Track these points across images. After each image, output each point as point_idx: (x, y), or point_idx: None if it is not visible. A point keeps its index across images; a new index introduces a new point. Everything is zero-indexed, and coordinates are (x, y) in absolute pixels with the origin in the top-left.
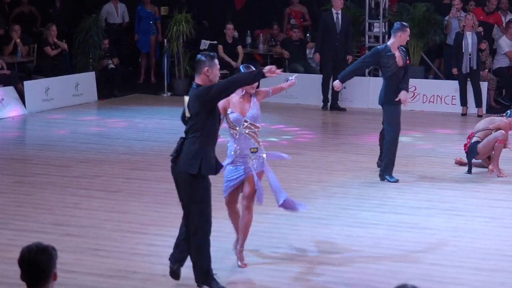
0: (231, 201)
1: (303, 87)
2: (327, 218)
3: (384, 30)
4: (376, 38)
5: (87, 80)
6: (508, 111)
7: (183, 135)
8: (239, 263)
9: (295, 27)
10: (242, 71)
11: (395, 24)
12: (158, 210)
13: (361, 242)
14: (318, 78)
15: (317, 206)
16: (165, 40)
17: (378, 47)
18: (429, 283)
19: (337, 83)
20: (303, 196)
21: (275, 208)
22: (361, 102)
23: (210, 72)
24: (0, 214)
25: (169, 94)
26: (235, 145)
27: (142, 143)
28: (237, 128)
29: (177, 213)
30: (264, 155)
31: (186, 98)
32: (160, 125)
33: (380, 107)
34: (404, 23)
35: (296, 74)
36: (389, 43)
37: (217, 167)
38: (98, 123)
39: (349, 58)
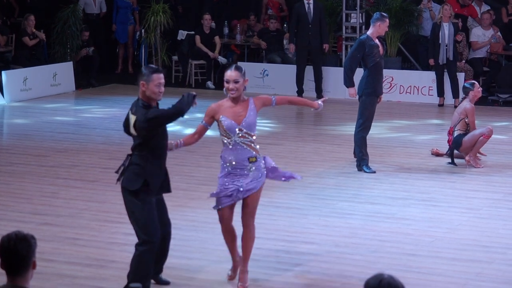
0: (225, 217)
1: (280, 77)
2: (304, 208)
3: (361, 21)
4: (353, 29)
5: (65, 70)
6: (464, 85)
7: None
8: (239, 284)
9: (272, 17)
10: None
11: (374, 14)
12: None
13: (337, 232)
14: (294, 68)
15: (294, 196)
16: (143, 30)
17: (361, 37)
18: (406, 273)
19: (351, 90)
20: (280, 186)
21: None
22: (338, 93)
23: (146, 87)
24: None
25: None
26: (230, 156)
27: (120, 133)
28: (231, 137)
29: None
30: (262, 164)
31: (132, 118)
32: None
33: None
34: (383, 13)
35: (324, 98)
36: (368, 33)
37: (163, 187)
38: (75, 113)
39: (326, 46)
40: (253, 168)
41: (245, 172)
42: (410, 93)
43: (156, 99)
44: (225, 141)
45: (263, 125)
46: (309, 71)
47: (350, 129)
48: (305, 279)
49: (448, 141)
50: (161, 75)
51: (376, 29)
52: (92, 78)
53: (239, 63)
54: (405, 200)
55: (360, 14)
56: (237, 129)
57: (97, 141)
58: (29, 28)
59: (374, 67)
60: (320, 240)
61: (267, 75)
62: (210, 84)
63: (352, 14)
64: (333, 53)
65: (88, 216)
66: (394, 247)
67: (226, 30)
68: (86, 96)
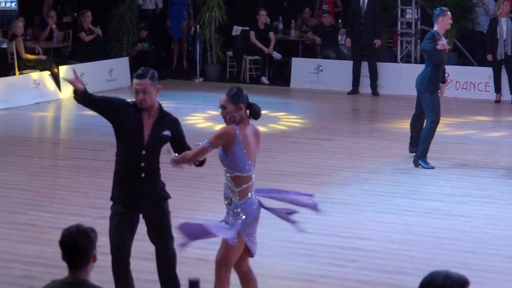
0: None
1: (335, 73)
2: (360, 204)
3: (416, 17)
4: (409, 25)
5: (120, 66)
6: None
7: (216, 120)
8: None
9: (326, 12)
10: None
11: (434, 10)
12: (191, 195)
13: (393, 228)
14: (349, 64)
15: (349, 192)
16: (198, 26)
17: (432, 31)
18: (463, 270)
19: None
20: (336, 182)
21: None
22: (393, 88)
23: None
24: (37, 197)
25: (201, 79)
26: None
27: None
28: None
29: (209, 197)
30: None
31: None
32: (192, 110)
33: (414, 93)
34: (443, 7)
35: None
36: (435, 29)
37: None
38: None
39: (377, 42)
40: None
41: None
42: (466, 89)
43: (139, 106)
44: None
45: (318, 121)
46: (365, 66)
47: (405, 125)
48: (360, 275)
49: None
50: (140, 81)
51: (440, 25)
52: None
53: (294, 59)
54: (462, 197)
55: (416, 10)
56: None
57: None
58: (86, 24)
59: (439, 65)
60: (376, 236)
61: (321, 70)
62: (264, 79)
63: (407, 10)
64: (388, 49)
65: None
66: (451, 244)
67: (280, 26)
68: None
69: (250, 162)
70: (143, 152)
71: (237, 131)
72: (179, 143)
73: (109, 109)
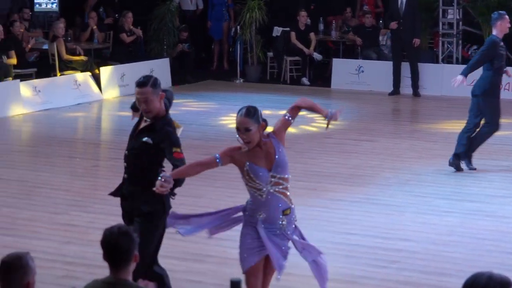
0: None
1: (376, 74)
2: (401, 205)
3: (458, 17)
4: (450, 25)
5: (161, 67)
6: None
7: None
8: None
9: (367, 13)
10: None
11: (492, 15)
12: (231, 195)
13: (435, 229)
14: (390, 64)
15: (391, 194)
16: (238, 27)
17: (493, 37)
18: (506, 272)
19: (459, 77)
20: (377, 183)
21: (349, 194)
22: (434, 89)
23: None
24: (79, 197)
25: (241, 80)
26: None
27: (215, 129)
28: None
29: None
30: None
31: None
32: (233, 111)
33: (455, 94)
34: (500, 11)
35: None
36: (494, 34)
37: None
38: (171, 108)
39: (416, 41)
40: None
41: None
42: (508, 90)
43: (145, 116)
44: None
45: (359, 122)
46: (406, 67)
47: (446, 126)
48: (401, 276)
49: None
50: (141, 89)
51: (499, 29)
52: (188, 74)
53: (334, 60)
54: (504, 198)
55: (458, 10)
56: (269, 177)
57: (193, 136)
58: (127, 25)
59: (500, 69)
60: (417, 238)
61: (362, 71)
62: (305, 80)
63: (449, 10)
64: (430, 50)
65: (185, 211)
66: (494, 245)
67: (321, 27)
68: (182, 92)
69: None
70: (126, 152)
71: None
72: (157, 154)
73: None
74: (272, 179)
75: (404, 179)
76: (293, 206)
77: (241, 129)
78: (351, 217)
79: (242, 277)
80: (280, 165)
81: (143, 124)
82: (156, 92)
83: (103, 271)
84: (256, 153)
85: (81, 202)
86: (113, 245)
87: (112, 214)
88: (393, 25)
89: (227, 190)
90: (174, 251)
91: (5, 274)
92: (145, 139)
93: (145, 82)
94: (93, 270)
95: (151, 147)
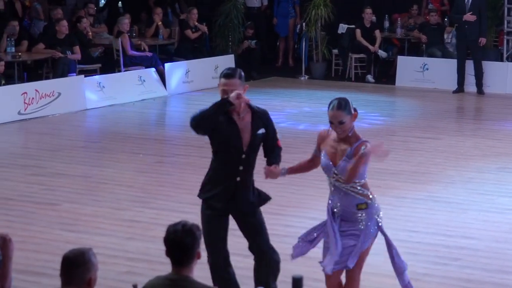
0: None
1: (440, 71)
2: (464, 203)
3: None
4: None
5: (226, 63)
6: None
7: (318, 120)
8: None
9: (433, 11)
10: None
11: None
12: (294, 192)
13: (498, 227)
14: (455, 62)
15: (454, 191)
16: (304, 24)
17: None
18: None
19: None
20: (440, 180)
21: (413, 192)
22: (498, 87)
23: None
24: (142, 193)
25: (306, 77)
26: (330, 200)
27: (280, 126)
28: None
29: (312, 195)
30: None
31: None
32: (298, 108)
33: None
34: None
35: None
36: None
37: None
38: None
39: (482, 40)
40: (363, 216)
41: (355, 220)
42: None
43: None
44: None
45: (423, 119)
46: (470, 65)
47: (510, 124)
48: (464, 273)
49: None
50: (229, 81)
51: None
52: (253, 70)
53: (399, 57)
54: None
55: None
56: (333, 171)
57: None
58: (192, 21)
59: None
60: (480, 235)
61: (427, 69)
62: (370, 77)
63: None
64: (494, 48)
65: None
66: None
67: (386, 24)
68: (247, 88)
69: None
70: (243, 156)
71: None
72: (271, 138)
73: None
74: (335, 176)
75: (468, 177)
76: (371, 202)
77: (335, 122)
78: (414, 214)
79: (303, 273)
80: (340, 172)
81: (243, 120)
82: (242, 84)
83: (165, 267)
84: (336, 145)
85: (144, 198)
86: (178, 242)
87: (175, 211)
88: (468, 16)
89: (290, 186)
90: (237, 247)
91: (68, 270)
92: (260, 131)
93: (233, 74)
94: (155, 266)
95: (263, 137)
